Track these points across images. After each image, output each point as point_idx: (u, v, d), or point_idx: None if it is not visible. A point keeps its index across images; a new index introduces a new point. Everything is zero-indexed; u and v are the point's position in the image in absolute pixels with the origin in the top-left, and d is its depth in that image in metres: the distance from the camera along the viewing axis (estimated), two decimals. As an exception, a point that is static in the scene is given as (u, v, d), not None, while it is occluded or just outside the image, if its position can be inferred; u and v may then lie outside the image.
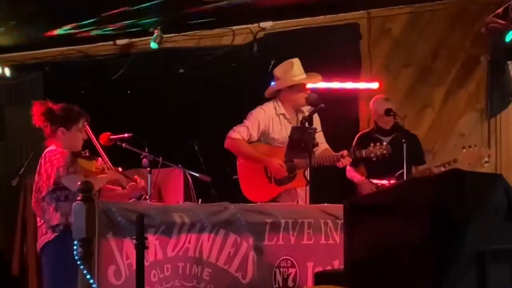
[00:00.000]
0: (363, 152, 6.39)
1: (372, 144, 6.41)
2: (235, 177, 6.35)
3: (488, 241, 3.57)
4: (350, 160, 6.29)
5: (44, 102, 5.20)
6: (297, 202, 6.23)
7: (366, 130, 7.34)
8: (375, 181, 7.06)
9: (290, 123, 6.31)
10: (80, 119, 5.19)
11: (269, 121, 6.29)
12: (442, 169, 6.72)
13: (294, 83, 6.32)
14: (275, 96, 6.45)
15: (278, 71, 6.43)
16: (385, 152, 6.40)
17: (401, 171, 6.72)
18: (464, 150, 6.88)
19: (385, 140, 6.96)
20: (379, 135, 7.09)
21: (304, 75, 6.37)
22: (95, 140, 5.38)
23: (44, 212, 4.96)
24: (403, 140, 6.64)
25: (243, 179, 6.27)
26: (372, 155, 6.41)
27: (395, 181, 6.85)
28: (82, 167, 5.01)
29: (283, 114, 6.33)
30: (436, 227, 3.47)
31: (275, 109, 6.34)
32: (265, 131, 6.28)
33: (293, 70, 6.34)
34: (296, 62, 6.39)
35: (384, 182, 6.92)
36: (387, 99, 7.24)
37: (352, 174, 7.25)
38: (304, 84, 6.34)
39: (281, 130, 6.29)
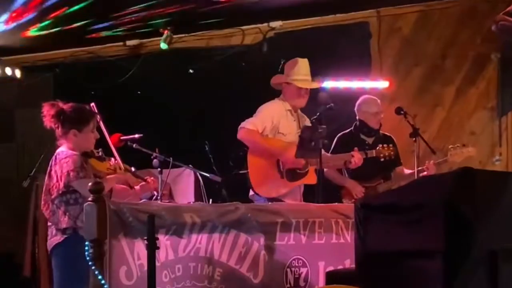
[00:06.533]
0: (374, 152, 6.41)
1: (380, 145, 6.45)
2: (242, 171, 6.29)
3: (500, 240, 3.55)
4: (362, 159, 6.29)
5: (54, 103, 5.14)
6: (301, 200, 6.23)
7: (347, 131, 7.10)
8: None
9: (294, 120, 6.33)
10: (91, 120, 5.15)
11: (280, 116, 6.29)
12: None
13: (288, 81, 6.35)
14: (279, 88, 6.47)
15: (286, 65, 6.49)
16: (392, 153, 6.45)
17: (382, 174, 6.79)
18: (452, 149, 6.88)
19: (369, 141, 6.91)
20: (364, 135, 6.98)
21: (305, 77, 6.35)
22: (108, 138, 5.37)
23: (53, 214, 4.93)
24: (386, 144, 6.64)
25: (254, 174, 6.19)
26: (381, 155, 6.44)
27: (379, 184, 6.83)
28: (94, 167, 5.01)
29: (290, 111, 6.34)
30: (448, 226, 3.46)
31: (283, 105, 6.35)
32: (276, 125, 6.26)
33: (295, 69, 6.34)
34: (302, 62, 6.38)
35: (371, 184, 6.82)
36: (376, 99, 7.13)
37: (338, 176, 6.92)
38: (300, 88, 6.32)
39: (288, 126, 6.29)
